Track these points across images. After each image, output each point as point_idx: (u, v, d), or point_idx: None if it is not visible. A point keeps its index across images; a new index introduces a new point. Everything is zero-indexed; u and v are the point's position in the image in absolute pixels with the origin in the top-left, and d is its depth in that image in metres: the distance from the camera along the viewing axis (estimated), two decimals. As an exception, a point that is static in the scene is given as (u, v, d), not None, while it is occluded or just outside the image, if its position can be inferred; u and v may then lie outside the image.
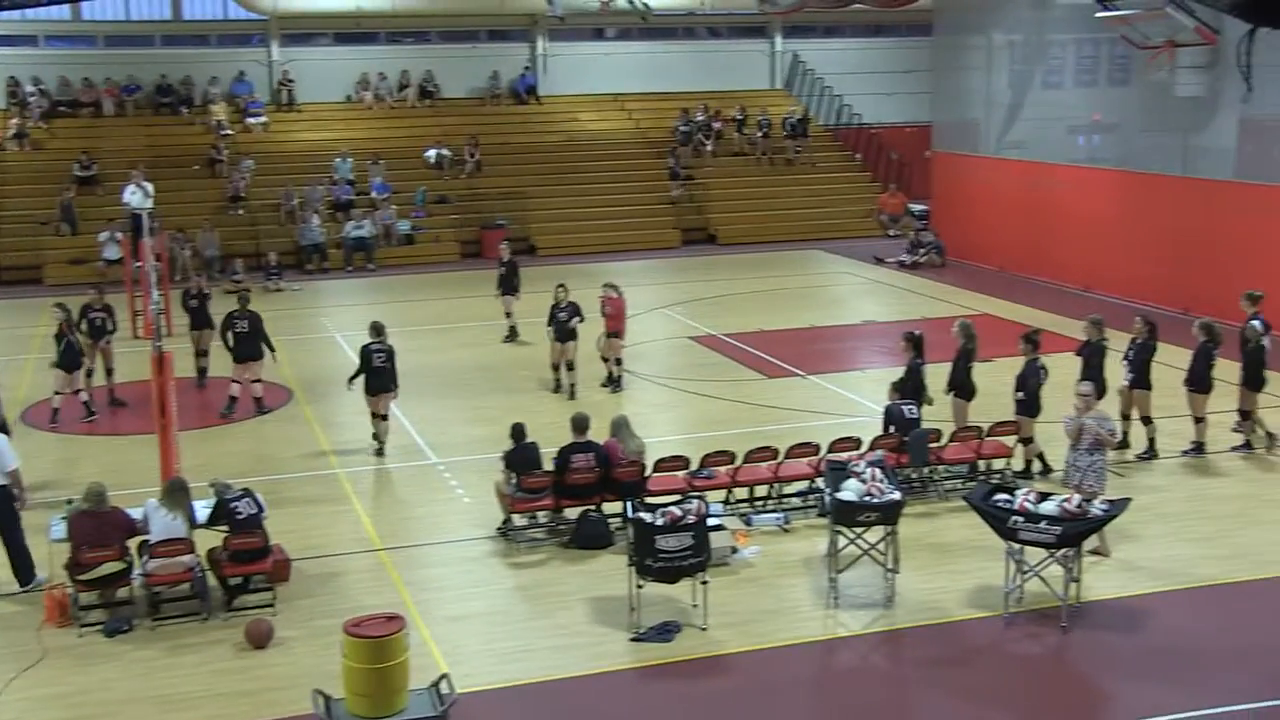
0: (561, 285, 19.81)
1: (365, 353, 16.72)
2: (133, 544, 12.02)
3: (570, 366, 19.48)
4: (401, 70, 38.70)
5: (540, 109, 39.26)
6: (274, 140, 36.34)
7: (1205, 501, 14.61)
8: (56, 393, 18.36)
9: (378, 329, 16.91)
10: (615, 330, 19.72)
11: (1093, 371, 15.23)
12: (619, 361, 19.87)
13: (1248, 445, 16.23)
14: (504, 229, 32.97)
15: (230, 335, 18.69)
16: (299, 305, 27.30)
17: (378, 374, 16.67)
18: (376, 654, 9.28)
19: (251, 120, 36.42)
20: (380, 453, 16.79)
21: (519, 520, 13.69)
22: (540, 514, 13.85)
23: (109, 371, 19.58)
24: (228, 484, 12.51)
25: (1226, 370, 16.37)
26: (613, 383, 19.71)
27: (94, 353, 19.13)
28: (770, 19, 40.86)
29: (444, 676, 9.59)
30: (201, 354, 20.55)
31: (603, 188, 36.38)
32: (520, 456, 13.61)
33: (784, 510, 14.27)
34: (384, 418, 16.85)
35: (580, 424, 13.75)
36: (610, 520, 13.57)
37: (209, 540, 12.28)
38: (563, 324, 19.34)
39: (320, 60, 38.35)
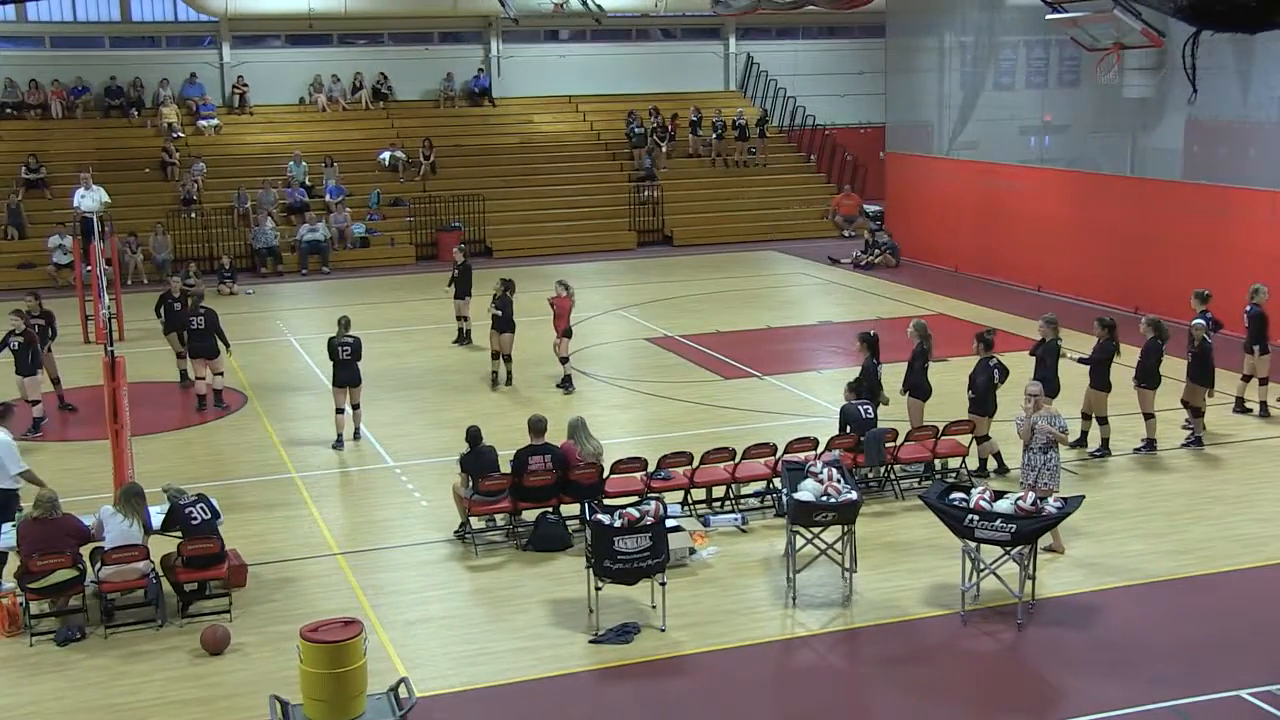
0: (503, 281, 20.24)
1: (331, 345, 16.96)
2: (85, 551, 11.89)
3: (506, 359, 19.96)
4: (355, 72, 38.52)
5: (494, 111, 39.18)
6: (226, 143, 36.05)
7: (1156, 498, 14.78)
8: (34, 401, 18.08)
9: (344, 323, 17.14)
10: (559, 329, 19.74)
11: (1046, 371, 15.37)
12: (564, 360, 19.89)
13: (1198, 441, 16.46)
14: (459, 231, 32.90)
15: (185, 334, 18.89)
16: (253, 309, 27.10)
17: (344, 366, 16.90)
18: (334, 659, 9.24)
19: (203, 123, 36.12)
20: (339, 445, 17.00)
21: (476, 523, 13.66)
22: (498, 517, 13.83)
23: (55, 380, 19.30)
24: (181, 489, 12.39)
25: (1174, 368, 16.60)
26: (563, 383, 19.70)
27: None
28: (724, 21, 40.98)
29: (402, 680, 9.56)
30: (182, 356, 20.41)
31: (558, 189, 36.35)
32: (477, 459, 13.58)
33: (741, 511, 14.32)
34: (355, 408, 17.18)
35: (537, 426, 13.73)
36: (568, 522, 13.57)
37: (163, 546, 12.18)
38: (495, 317, 19.94)
39: (273, 62, 38.08)
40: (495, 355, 20.31)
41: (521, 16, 33.98)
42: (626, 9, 38.46)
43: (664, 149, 37.81)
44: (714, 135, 38.40)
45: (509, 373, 20.16)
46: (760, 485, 14.67)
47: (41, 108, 35.57)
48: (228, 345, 19.16)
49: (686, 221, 35.91)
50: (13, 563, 11.89)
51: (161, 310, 20.51)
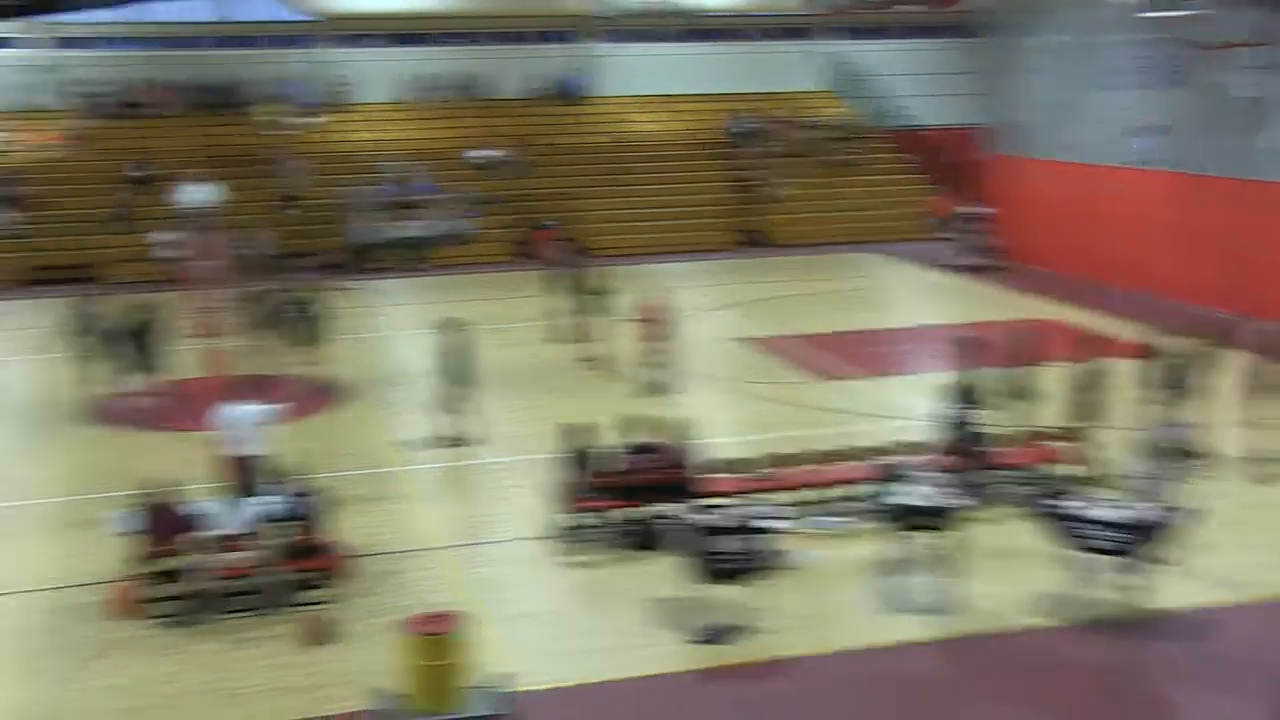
0: (592, 273, 21.37)
1: (443, 345, 17.16)
2: (198, 538, 12.11)
3: (598, 342, 21.11)
4: (452, 70, 38.88)
5: (590, 110, 39.33)
6: (327, 140, 36.59)
7: (1269, 509, 14.39)
8: (133, 393, 18.56)
9: (454, 324, 17.39)
10: (658, 335, 19.68)
11: (1170, 380, 15.03)
12: (668, 366, 19.84)
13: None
14: (553, 230, 33.03)
15: (297, 323, 19.63)
16: (354, 304, 27.38)
17: (454, 365, 17.06)
18: (435, 652, 9.32)
19: (305, 120, 36.68)
20: (458, 444, 17.07)
21: (579, 520, 13.68)
22: (600, 514, 13.83)
23: (156, 371, 19.65)
24: (299, 476, 12.53)
25: None
26: (662, 386, 19.66)
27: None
28: (819, 20, 40.73)
29: (502, 675, 9.62)
30: (270, 353, 20.71)
31: (654, 188, 36.39)
32: (581, 456, 13.62)
33: (844, 513, 14.18)
34: (466, 408, 17.25)
35: (640, 425, 13.76)
36: (669, 521, 13.53)
37: (274, 536, 12.35)
38: (587, 305, 21.60)
39: (372, 61, 38.60)
40: (589, 341, 21.36)
41: (617, 16, 34.10)
42: (721, 9, 38.38)
43: (761, 148, 37.62)
44: (811, 136, 38.16)
45: (604, 358, 20.98)
46: (864, 488, 14.50)
47: (151, 106, 36.35)
48: (321, 341, 19.77)
49: (783, 222, 35.75)
50: (130, 548, 12.12)
51: (256, 306, 20.83)
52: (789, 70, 41.57)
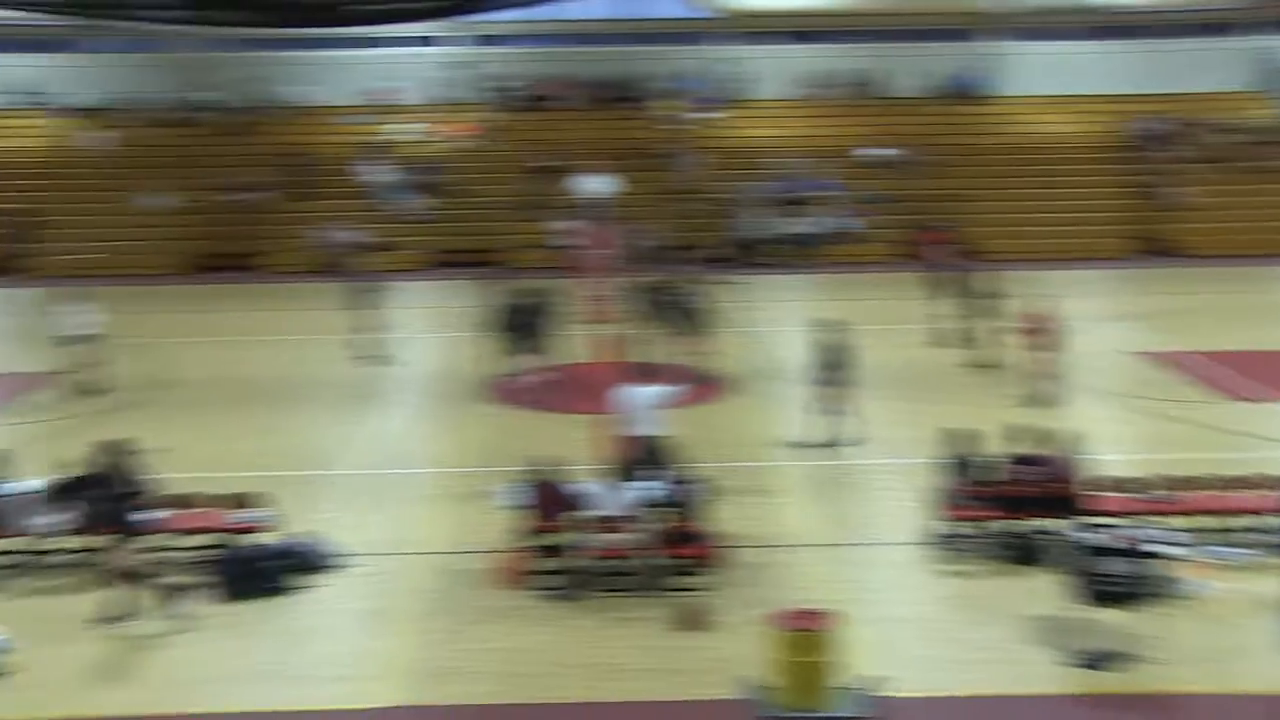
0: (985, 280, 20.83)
1: (819, 347, 17.08)
2: (580, 517, 12.57)
3: (983, 348, 20.79)
4: (851, 68, 38.78)
5: (986, 109, 38.31)
6: (723, 135, 37.26)
7: None
8: (525, 374, 19.72)
9: (835, 323, 17.27)
10: (1046, 344, 18.86)
11: None
12: (1056, 376, 19.00)
13: None
14: (942, 231, 32.30)
15: (681, 313, 20.16)
16: (739, 298, 27.71)
17: (833, 369, 16.94)
18: (806, 648, 9.31)
19: (702, 115, 37.49)
20: (831, 445, 16.90)
21: (958, 528, 13.31)
22: (978, 524, 13.42)
23: (549, 354, 20.59)
24: (681, 464, 12.82)
25: None
26: (1049, 397, 18.86)
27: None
28: (1242, 15, 37.95)
29: (871, 678, 9.47)
30: (655, 342, 21.30)
31: (1048, 191, 35.04)
32: (962, 464, 13.28)
33: (1248, 545, 13.13)
34: (840, 412, 17.02)
35: (1025, 435, 13.30)
36: (1052, 537, 12.95)
37: (653, 521, 12.64)
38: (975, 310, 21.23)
39: (768, 57, 39.04)
40: (974, 346, 21.05)
41: (1019, 14, 33.04)
42: (1134, 4, 36.46)
43: (1174, 153, 35.46)
44: (1231, 140, 35.64)
45: (989, 365, 20.58)
46: (1273, 520, 13.37)
47: (554, 100, 38.22)
48: (703, 330, 20.18)
49: (1192, 230, 33.62)
50: (518, 522, 12.71)
51: (643, 296, 21.44)
52: (1205, 68, 38.89)
